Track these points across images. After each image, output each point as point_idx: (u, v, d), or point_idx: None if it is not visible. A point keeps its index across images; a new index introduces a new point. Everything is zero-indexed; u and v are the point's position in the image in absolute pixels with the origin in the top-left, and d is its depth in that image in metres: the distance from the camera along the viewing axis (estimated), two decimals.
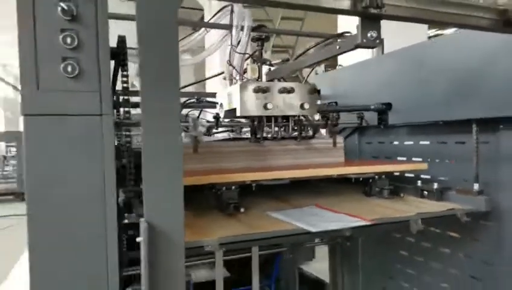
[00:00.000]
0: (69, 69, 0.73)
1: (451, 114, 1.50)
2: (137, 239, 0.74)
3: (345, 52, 1.15)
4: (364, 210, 1.28)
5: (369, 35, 1.03)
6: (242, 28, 1.67)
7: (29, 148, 0.73)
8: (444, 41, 1.59)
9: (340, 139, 1.74)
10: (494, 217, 1.42)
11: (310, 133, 1.65)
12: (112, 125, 0.77)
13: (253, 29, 1.68)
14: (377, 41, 1.05)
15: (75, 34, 0.73)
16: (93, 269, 0.77)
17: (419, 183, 1.56)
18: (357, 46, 1.06)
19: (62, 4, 0.72)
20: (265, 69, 1.66)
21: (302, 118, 1.58)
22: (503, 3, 1.15)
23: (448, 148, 1.61)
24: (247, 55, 1.66)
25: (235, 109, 1.48)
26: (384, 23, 1.04)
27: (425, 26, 4.07)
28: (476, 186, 1.43)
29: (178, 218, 0.78)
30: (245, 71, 1.66)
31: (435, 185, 1.49)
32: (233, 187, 1.25)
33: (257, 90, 1.44)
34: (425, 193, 1.53)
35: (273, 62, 1.68)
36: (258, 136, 1.52)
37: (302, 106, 1.49)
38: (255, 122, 1.50)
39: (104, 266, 0.77)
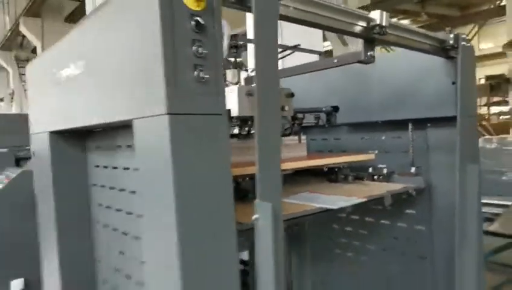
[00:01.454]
0: (199, 74, 0.84)
1: (392, 115, 1.92)
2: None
3: (342, 65, 1.44)
4: (346, 192, 1.58)
5: (369, 54, 1.34)
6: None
7: (174, 145, 0.81)
8: (386, 59, 2.02)
9: (303, 137, 2.03)
10: (424, 192, 1.88)
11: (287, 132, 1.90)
12: (228, 123, 0.90)
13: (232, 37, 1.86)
14: (372, 58, 1.36)
15: (203, 45, 0.85)
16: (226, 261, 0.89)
17: (370, 170, 1.95)
18: (359, 62, 1.35)
19: (196, 19, 0.83)
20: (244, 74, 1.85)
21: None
22: (443, 36, 1.59)
23: (385, 143, 2.05)
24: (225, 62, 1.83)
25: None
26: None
27: (321, 37, 4.69)
28: (412, 169, 1.88)
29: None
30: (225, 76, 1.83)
31: (385, 171, 1.89)
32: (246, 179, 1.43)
33: (249, 94, 1.63)
34: (375, 177, 1.92)
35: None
36: (250, 133, 1.70)
37: (283, 108, 1.74)
38: (249, 122, 1.68)
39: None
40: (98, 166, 1.51)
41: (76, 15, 11.95)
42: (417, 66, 1.81)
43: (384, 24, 1.25)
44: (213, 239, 0.86)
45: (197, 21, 0.83)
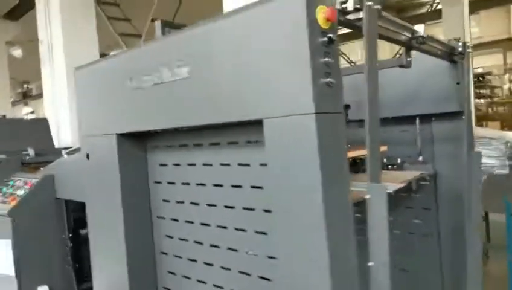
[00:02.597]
0: (329, 80, 1.02)
1: (402, 111, 2.21)
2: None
3: (383, 69, 1.68)
4: None
5: (408, 59, 1.59)
6: None
7: (320, 140, 0.99)
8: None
9: None
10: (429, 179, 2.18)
11: None
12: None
13: None
14: (410, 63, 1.62)
15: (330, 57, 1.03)
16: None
17: (384, 160, 2.22)
18: (401, 66, 1.60)
19: (328, 35, 1.01)
20: None
21: None
22: (453, 44, 1.89)
23: (393, 136, 2.33)
24: None
25: None
26: None
27: None
28: (420, 158, 2.18)
29: None
30: None
31: (398, 160, 2.17)
32: None
33: None
34: (389, 166, 2.20)
35: None
36: None
37: None
38: None
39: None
40: (165, 164, 1.62)
41: (17, 12, 11.26)
42: (423, 68, 2.11)
43: (424, 35, 1.51)
44: (344, 224, 1.05)
45: (330, 37, 1.01)
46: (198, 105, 1.27)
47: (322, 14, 1.00)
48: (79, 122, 1.81)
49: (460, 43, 1.88)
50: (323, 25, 1.01)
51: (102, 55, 8.26)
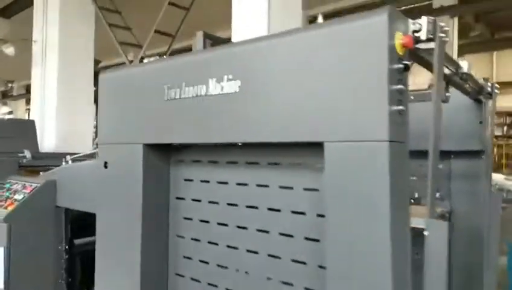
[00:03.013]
0: (400, 108, 0.99)
1: (420, 146, 2.19)
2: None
3: (419, 102, 1.66)
4: None
5: (447, 94, 1.58)
6: None
7: (392, 169, 0.94)
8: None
9: None
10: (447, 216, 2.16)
11: None
12: None
13: None
14: (448, 98, 1.61)
15: (403, 84, 1.00)
16: None
17: None
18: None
19: (404, 62, 0.98)
20: None
21: None
22: (483, 83, 1.90)
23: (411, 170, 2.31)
24: None
25: None
26: None
27: None
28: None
29: None
30: None
31: (416, 195, 2.14)
32: None
33: None
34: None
35: None
36: None
37: None
38: None
39: None
40: (190, 180, 1.54)
41: (10, 10, 11.06)
42: (446, 105, 2.11)
43: (468, 72, 1.50)
44: (405, 260, 1.00)
45: (406, 64, 0.98)
46: (246, 121, 1.20)
47: (399, 40, 0.97)
48: (98, 129, 1.72)
49: (489, 83, 1.90)
50: (400, 51, 0.98)
51: (96, 62, 8.12)
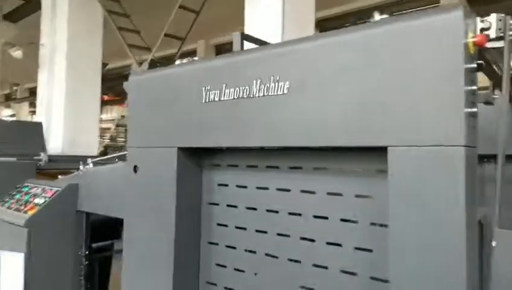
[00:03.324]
0: (473, 111, 0.93)
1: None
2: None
3: None
4: None
5: (494, 96, 1.53)
6: None
7: (467, 176, 0.88)
8: None
9: None
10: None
11: None
12: None
13: None
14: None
15: (475, 85, 0.94)
16: None
17: None
18: (485, 103, 1.53)
19: (478, 62, 0.93)
20: None
21: None
22: None
23: None
24: None
25: None
26: None
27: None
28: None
29: None
30: None
31: None
32: None
33: None
34: None
35: None
36: None
37: None
38: None
39: None
40: (226, 185, 1.47)
41: (17, 14, 11.07)
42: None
43: None
44: (475, 271, 0.94)
45: (480, 64, 0.92)
46: (296, 124, 1.14)
47: (471, 38, 0.91)
48: (128, 133, 1.66)
49: None
50: (471, 50, 0.92)
51: (104, 65, 8.08)
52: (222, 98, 1.32)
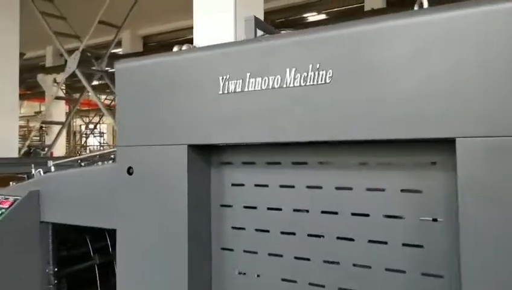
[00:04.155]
0: None
1: None
2: None
3: None
4: None
5: None
6: None
7: None
8: None
9: None
10: None
11: None
12: None
13: None
14: None
15: None
16: None
17: None
18: None
19: None
20: None
21: None
22: None
23: None
24: None
25: None
26: None
27: None
28: None
29: None
30: None
31: None
32: None
33: None
34: None
35: None
36: None
37: None
38: None
39: None
40: (241, 184, 1.35)
41: None
42: None
43: None
44: None
45: None
46: (341, 116, 1.06)
47: None
48: (118, 129, 1.45)
49: None
50: None
51: (21, 54, 7.24)
52: (245, 89, 1.19)
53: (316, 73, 1.09)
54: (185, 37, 13.98)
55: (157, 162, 1.35)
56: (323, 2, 10.05)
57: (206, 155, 1.38)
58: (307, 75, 1.10)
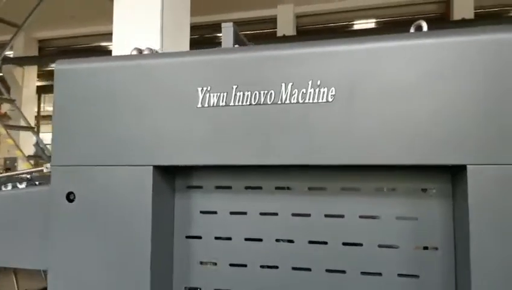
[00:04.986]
0: None
1: None
2: None
3: None
4: None
5: None
6: None
7: None
8: None
9: None
10: None
11: None
12: None
13: None
14: None
15: None
16: None
17: None
18: None
19: None
20: None
21: None
22: None
23: None
24: None
25: None
26: None
27: None
28: None
29: None
30: None
31: None
32: None
33: None
34: None
35: None
36: None
37: None
38: None
39: None
40: (213, 212, 1.17)
41: None
42: None
43: None
44: None
45: None
46: (344, 139, 0.97)
47: None
48: (54, 146, 1.16)
49: None
50: None
51: None
52: (231, 103, 1.04)
53: (317, 90, 0.99)
54: (88, 44, 13.02)
55: (109, 187, 1.11)
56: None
57: (170, 178, 1.18)
58: (306, 92, 1.00)
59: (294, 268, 1.11)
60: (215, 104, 1.05)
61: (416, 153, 0.93)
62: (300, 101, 1.00)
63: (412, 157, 0.94)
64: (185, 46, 4.53)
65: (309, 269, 1.10)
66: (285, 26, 11.03)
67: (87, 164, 1.14)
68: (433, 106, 0.93)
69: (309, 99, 1.00)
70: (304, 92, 1.00)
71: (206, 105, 1.06)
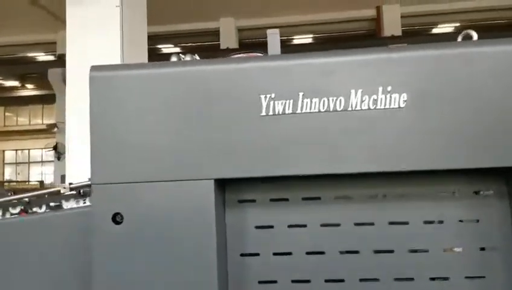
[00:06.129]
0: None
1: None
2: None
3: None
4: None
5: None
6: None
7: None
8: None
9: None
10: None
11: None
12: None
13: None
14: None
15: None
16: None
17: None
18: None
19: None
20: None
21: None
22: None
23: None
24: None
25: None
26: None
27: None
28: None
29: None
30: None
31: None
32: None
33: None
34: None
35: None
36: None
37: None
38: None
39: None
40: (269, 226, 1.11)
41: None
42: None
43: None
44: None
45: None
46: (416, 144, 0.98)
47: None
48: (93, 161, 1.03)
49: None
50: None
51: None
52: (298, 111, 1.00)
53: (388, 96, 0.99)
54: (14, 54, 12.14)
55: (163, 205, 1.01)
56: None
57: (222, 193, 1.10)
58: (377, 98, 0.99)
59: (361, 279, 1.08)
60: (280, 113, 1.00)
61: (476, 156, 0.96)
62: (372, 107, 0.99)
63: (473, 161, 0.97)
64: (144, 57, 4.37)
65: (377, 279, 1.08)
66: (228, 39, 11.11)
67: (132, 181, 1.02)
68: (493, 110, 0.97)
69: (381, 106, 0.99)
70: (375, 98, 0.99)
71: (272, 113, 1.00)
